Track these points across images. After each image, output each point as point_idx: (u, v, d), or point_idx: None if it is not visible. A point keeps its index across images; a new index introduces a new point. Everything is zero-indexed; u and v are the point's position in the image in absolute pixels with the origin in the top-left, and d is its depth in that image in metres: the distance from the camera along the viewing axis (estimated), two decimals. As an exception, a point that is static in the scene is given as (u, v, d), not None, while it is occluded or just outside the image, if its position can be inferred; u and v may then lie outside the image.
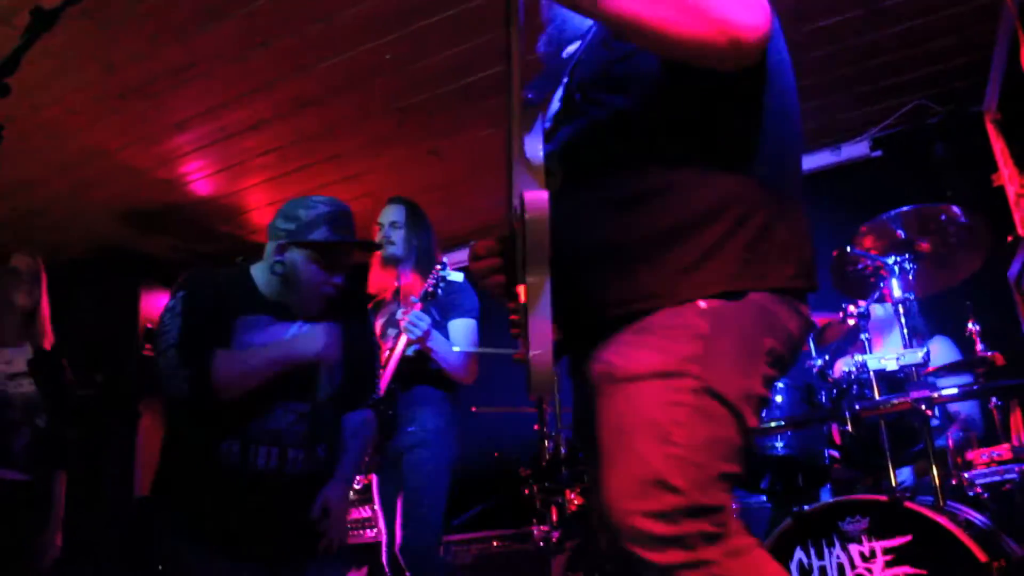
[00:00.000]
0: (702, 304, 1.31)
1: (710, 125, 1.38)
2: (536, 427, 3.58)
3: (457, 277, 3.59)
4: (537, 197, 1.21)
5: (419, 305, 3.48)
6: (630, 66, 1.42)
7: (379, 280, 3.77)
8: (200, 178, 4.90)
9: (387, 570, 3.50)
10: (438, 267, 3.53)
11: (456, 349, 3.54)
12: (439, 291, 3.50)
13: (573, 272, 1.38)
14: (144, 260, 5.80)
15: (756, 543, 1.28)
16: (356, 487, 4.22)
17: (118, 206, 5.15)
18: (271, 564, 2.44)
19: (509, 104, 1.30)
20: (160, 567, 2.39)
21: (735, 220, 1.34)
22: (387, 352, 3.61)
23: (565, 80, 1.55)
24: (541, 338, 1.21)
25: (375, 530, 4.10)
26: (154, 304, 5.67)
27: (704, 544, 1.22)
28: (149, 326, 5.53)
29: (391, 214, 3.79)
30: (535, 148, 1.29)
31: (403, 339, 3.53)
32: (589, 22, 1.59)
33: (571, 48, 1.57)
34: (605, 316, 1.38)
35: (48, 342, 3.57)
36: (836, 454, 3.15)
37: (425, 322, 3.43)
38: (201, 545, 2.37)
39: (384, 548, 3.52)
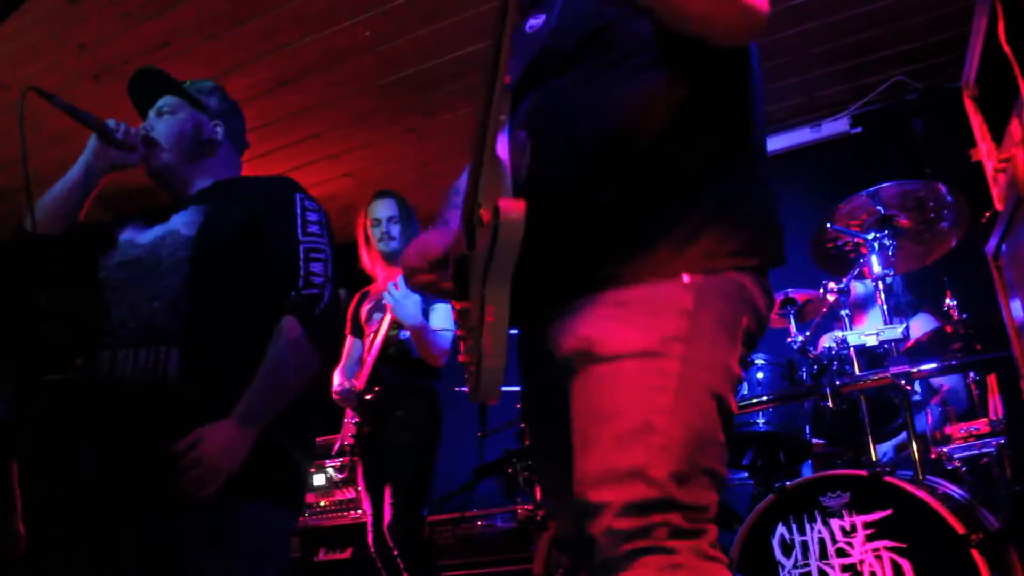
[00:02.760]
0: (686, 279, 1.25)
1: (698, 99, 1.32)
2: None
3: None
4: (513, 208, 1.11)
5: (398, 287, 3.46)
6: (616, 34, 1.36)
7: (387, 277, 3.71)
8: (177, 158, 4.85)
9: (373, 550, 3.51)
10: None
11: (441, 330, 3.53)
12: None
13: (548, 233, 1.28)
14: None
15: (727, 564, 1.22)
16: (337, 469, 4.23)
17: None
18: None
19: (487, 94, 1.19)
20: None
21: (722, 195, 1.31)
22: (371, 335, 3.60)
23: (535, 52, 1.45)
24: (496, 350, 1.15)
25: (359, 511, 4.12)
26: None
27: (671, 536, 1.16)
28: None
29: (386, 208, 3.75)
30: (503, 148, 1.21)
31: (387, 321, 3.51)
32: None
33: (534, 21, 1.48)
34: (585, 282, 1.29)
35: None
36: (818, 433, 3.18)
37: (401, 292, 3.41)
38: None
39: (370, 528, 3.53)
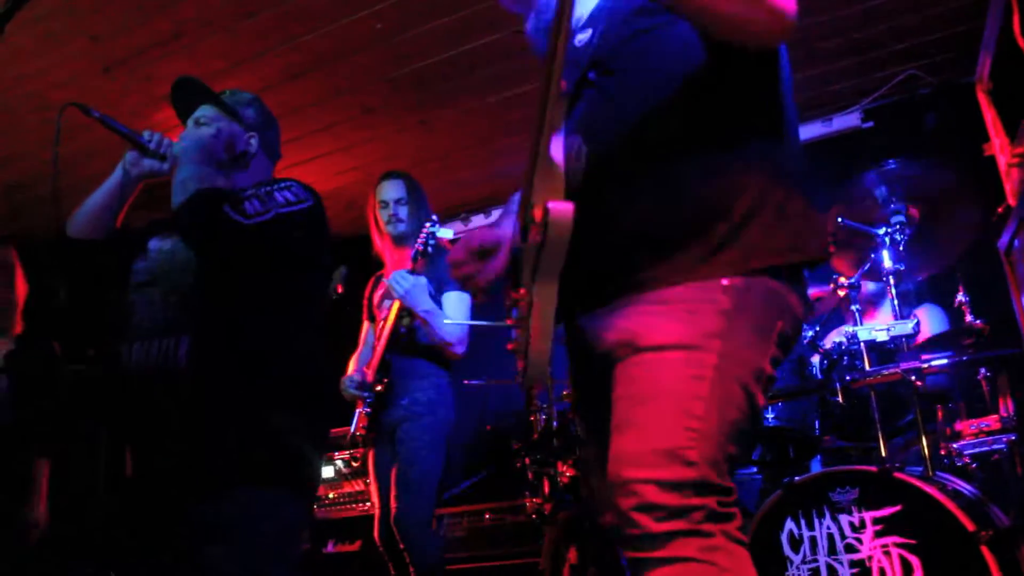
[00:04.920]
0: (724, 281, 1.33)
1: (735, 101, 1.40)
2: (535, 403, 3.58)
3: (447, 233, 3.51)
4: (562, 209, 1.20)
5: (409, 265, 3.43)
6: (654, 40, 1.44)
7: (396, 260, 3.69)
8: (188, 151, 4.85)
9: (379, 542, 3.51)
10: (427, 224, 3.42)
11: (448, 321, 3.52)
12: (430, 249, 3.40)
13: (597, 234, 1.37)
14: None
15: (748, 544, 1.30)
16: (349, 460, 4.24)
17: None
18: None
19: (543, 100, 1.26)
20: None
21: (759, 198, 1.36)
22: (381, 322, 3.60)
23: (585, 63, 1.54)
24: (543, 337, 1.24)
25: (368, 504, 4.12)
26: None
27: (707, 520, 1.24)
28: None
29: (393, 190, 3.69)
30: (559, 151, 1.27)
31: (395, 308, 3.50)
32: (590, 5, 1.59)
33: (583, 36, 1.57)
34: (628, 282, 1.38)
35: (17, 332, 3.50)
36: (827, 428, 3.17)
37: (408, 281, 3.39)
38: None
39: (378, 521, 3.52)
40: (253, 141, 2.26)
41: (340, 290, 3.86)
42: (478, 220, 5.56)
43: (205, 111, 2.27)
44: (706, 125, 1.39)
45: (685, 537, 1.22)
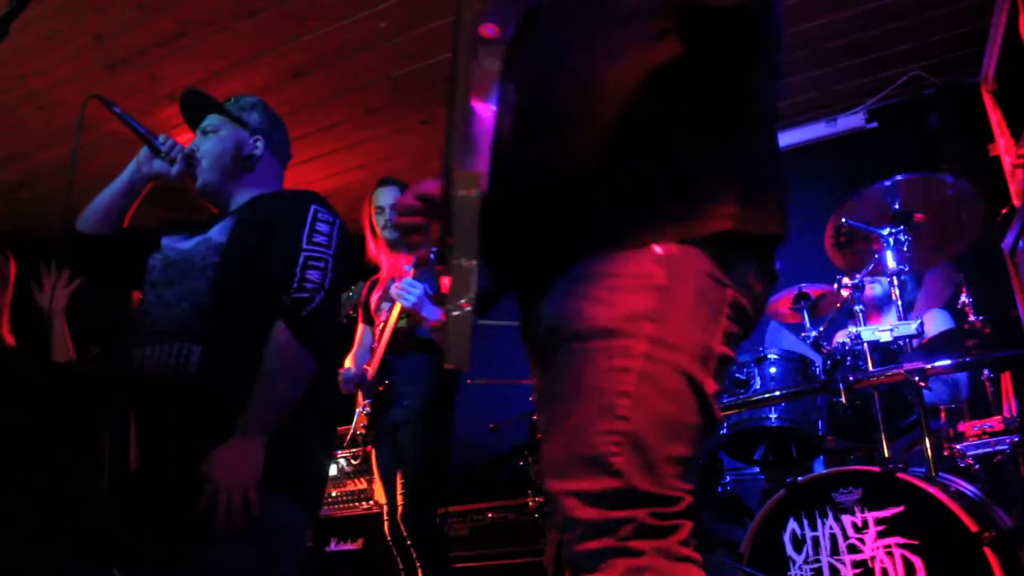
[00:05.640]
0: (658, 249, 1.13)
1: (690, 55, 1.18)
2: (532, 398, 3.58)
3: None
4: (467, 179, 1.06)
5: (411, 273, 3.46)
6: None
7: (392, 266, 3.72)
8: (192, 149, 4.86)
9: (389, 539, 3.53)
10: None
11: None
12: (432, 255, 3.43)
13: (525, 202, 1.21)
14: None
15: (700, 562, 1.12)
16: (351, 459, 4.25)
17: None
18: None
19: (456, 45, 1.12)
20: None
21: (704, 161, 1.18)
22: (381, 325, 3.61)
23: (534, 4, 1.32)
24: (461, 313, 1.08)
25: (371, 502, 4.13)
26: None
27: (635, 536, 1.07)
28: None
29: (389, 196, 3.72)
30: (487, 102, 1.12)
31: (396, 310, 3.52)
32: None
33: None
34: (554, 255, 1.20)
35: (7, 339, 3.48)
36: (831, 429, 3.17)
37: (418, 288, 3.41)
38: None
39: (386, 517, 3.55)
40: (259, 144, 2.29)
41: (351, 314, 3.92)
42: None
43: (211, 120, 2.31)
44: (652, 78, 1.17)
45: (612, 557, 1.07)
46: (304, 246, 2.03)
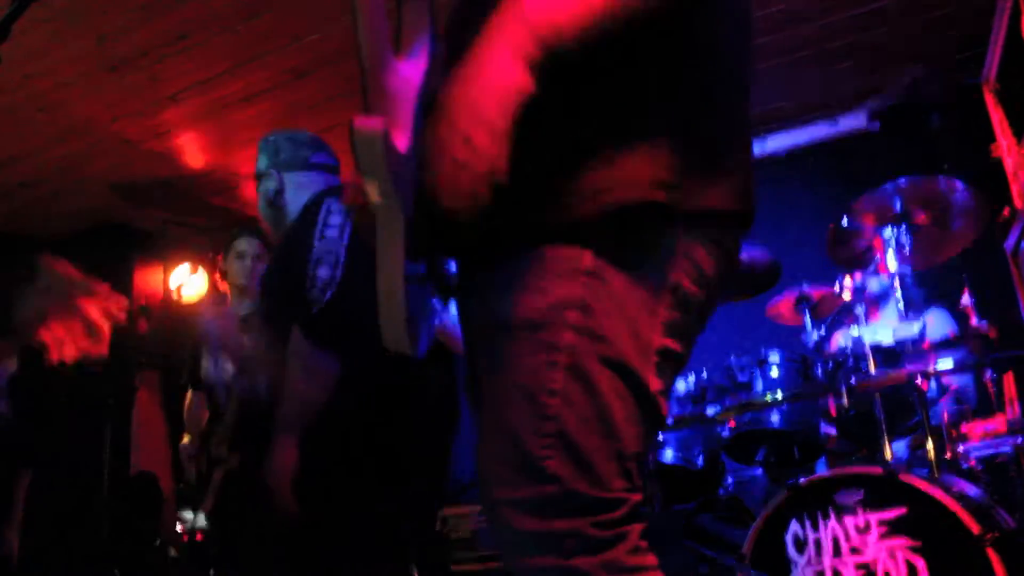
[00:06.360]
0: (586, 229, 1.04)
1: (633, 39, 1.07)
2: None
3: None
4: (368, 128, 0.97)
5: None
6: None
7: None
8: (193, 151, 4.86)
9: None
10: None
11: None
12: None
13: (448, 170, 1.05)
14: (137, 233, 5.77)
15: (655, 565, 1.04)
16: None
17: (111, 179, 5.11)
18: None
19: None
20: None
21: (632, 128, 1.06)
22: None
23: None
24: (388, 293, 0.98)
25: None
26: (147, 277, 5.65)
27: (579, 552, 0.99)
28: (143, 301, 5.51)
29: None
30: (415, 58, 1.03)
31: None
32: None
33: None
34: (483, 238, 1.09)
35: None
36: (832, 430, 3.17)
37: None
38: None
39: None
40: (273, 178, 2.38)
41: None
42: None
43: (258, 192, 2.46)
44: (595, 54, 1.04)
45: None
46: (314, 244, 2.07)
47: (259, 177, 2.41)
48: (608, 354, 1.03)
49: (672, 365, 1.10)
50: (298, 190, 2.35)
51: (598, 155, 1.05)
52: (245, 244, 3.72)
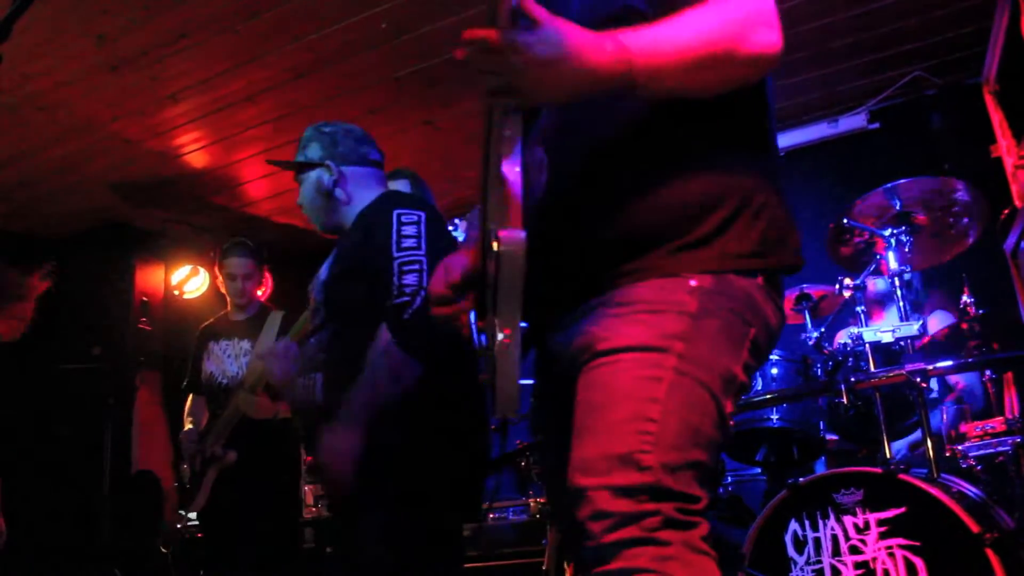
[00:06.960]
0: (692, 282, 1.28)
1: (721, 106, 1.32)
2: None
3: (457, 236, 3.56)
4: (513, 239, 1.12)
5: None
6: None
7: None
8: (194, 150, 4.86)
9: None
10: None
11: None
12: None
13: (562, 241, 1.35)
14: (138, 233, 5.77)
15: (716, 559, 1.21)
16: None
17: (111, 179, 5.11)
18: None
19: (488, 114, 1.20)
20: None
21: (738, 202, 1.32)
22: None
23: None
24: (508, 370, 1.15)
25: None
26: (148, 277, 5.65)
27: (664, 527, 1.17)
28: (144, 299, 5.51)
29: (401, 187, 3.73)
30: (514, 167, 1.17)
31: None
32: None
33: None
34: (592, 286, 1.34)
35: None
36: (832, 430, 3.17)
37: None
38: None
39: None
40: (333, 166, 2.39)
41: None
42: (482, 220, 5.53)
43: (299, 177, 2.46)
44: (686, 130, 1.34)
45: (638, 546, 1.15)
46: (395, 254, 2.14)
47: (307, 166, 2.41)
48: (705, 379, 1.25)
49: (739, 397, 1.34)
50: (358, 186, 2.40)
51: (716, 222, 1.31)
52: (235, 266, 3.83)
